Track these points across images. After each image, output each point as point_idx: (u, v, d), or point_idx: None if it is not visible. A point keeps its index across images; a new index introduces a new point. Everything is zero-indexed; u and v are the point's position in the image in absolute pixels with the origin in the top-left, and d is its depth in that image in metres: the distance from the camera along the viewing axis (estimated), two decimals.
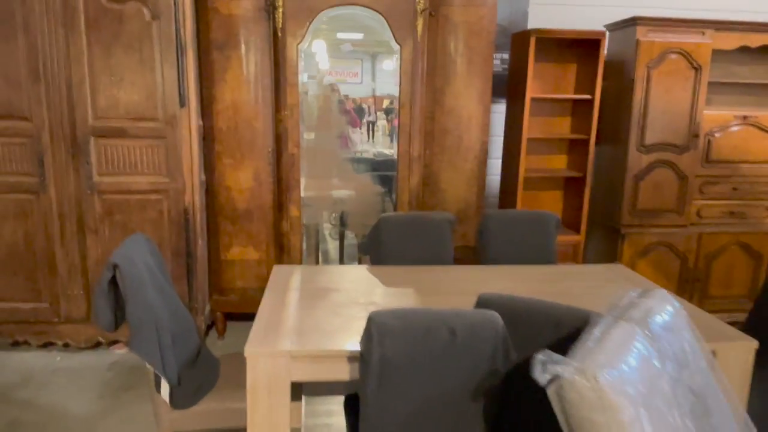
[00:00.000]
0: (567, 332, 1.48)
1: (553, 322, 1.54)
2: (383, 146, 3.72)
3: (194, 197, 3.21)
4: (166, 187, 3.15)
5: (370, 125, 3.67)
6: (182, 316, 2.08)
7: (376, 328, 1.47)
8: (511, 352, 1.53)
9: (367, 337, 1.50)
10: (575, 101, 3.78)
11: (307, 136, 3.43)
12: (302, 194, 3.40)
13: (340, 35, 3.54)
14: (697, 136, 3.59)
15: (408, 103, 3.34)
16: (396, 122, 3.87)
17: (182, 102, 3.08)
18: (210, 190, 3.42)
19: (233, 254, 3.49)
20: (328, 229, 3.83)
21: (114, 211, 3.16)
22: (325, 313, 1.98)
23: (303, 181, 3.39)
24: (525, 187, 3.69)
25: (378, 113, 3.68)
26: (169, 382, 1.91)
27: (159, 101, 3.06)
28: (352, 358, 1.67)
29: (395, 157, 3.49)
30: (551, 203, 3.94)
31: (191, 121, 3.15)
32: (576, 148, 3.83)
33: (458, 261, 2.72)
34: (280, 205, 3.42)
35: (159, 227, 3.20)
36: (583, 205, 3.68)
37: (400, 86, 3.32)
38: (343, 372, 1.70)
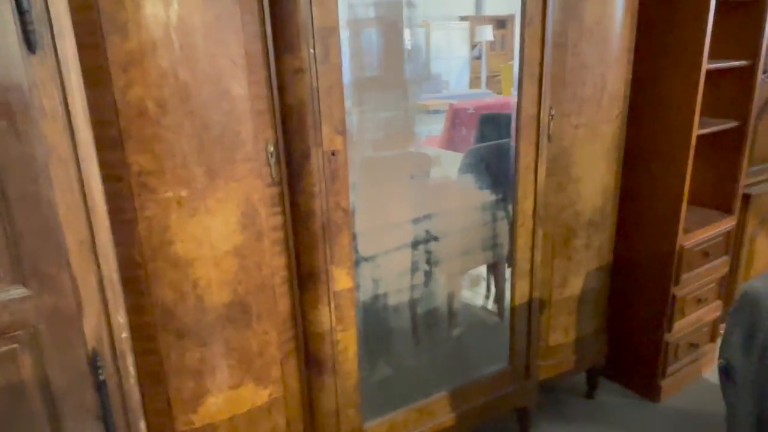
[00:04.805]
0: None
1: None
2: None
3: (111, 318, 1.10)
4: (20, 311, 0.99)
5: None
6: None
7: None
8: None
9: None
10: None
11: (358, 110, 1.49)
12: (358, 240, 1.50)
13: None
14: None
15: (539, 15, 1.62)
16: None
17: (32, 43, 0.93)
18: (132, 279, 1.28)
19: (207, 412, 1.43)
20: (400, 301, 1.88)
21: None
22: None
23: (357, 212, 1.47)
24: (635, 154, 2.18)
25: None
26: None
27: None
28: None
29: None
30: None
31: (71, 95, 1.00)
32: (718, 80, 2.29)
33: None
34: (305, 275, 1.46)
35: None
36: (738, 170, 2.33)
37: None
38: None
